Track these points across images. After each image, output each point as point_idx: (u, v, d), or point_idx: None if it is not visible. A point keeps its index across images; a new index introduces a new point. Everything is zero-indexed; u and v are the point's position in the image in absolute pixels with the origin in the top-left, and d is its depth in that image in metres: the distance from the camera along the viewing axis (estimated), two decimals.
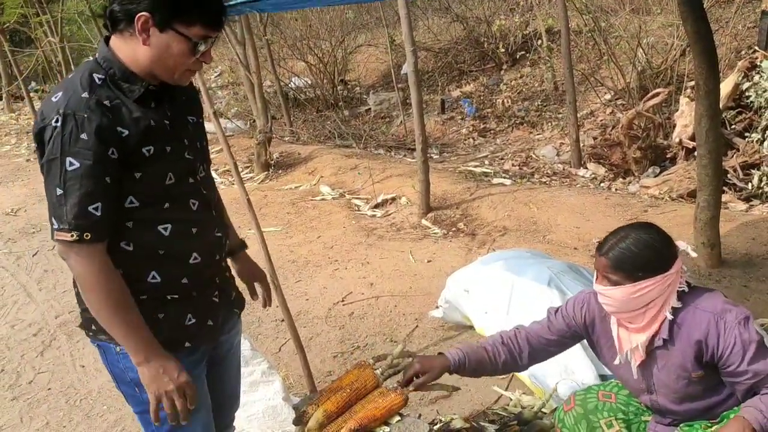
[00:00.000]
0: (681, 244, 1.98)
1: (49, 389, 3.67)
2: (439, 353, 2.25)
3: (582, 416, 2.19)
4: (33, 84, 15.34)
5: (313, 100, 11.01)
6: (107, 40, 1.64)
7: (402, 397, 2.13)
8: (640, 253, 1.88)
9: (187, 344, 1.77)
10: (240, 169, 7.83)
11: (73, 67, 12.33)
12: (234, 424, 2.24)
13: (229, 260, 2.10)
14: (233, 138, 9.30)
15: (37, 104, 13.22)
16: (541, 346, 2.24)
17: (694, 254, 2.02)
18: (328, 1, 6.00)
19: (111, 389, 3.47)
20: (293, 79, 11.44)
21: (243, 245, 2.17)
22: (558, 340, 2.23)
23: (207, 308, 1.83)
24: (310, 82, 11.18)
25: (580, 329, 2.20)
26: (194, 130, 1.80)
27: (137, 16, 1.53)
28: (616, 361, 2.08)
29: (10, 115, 13.81)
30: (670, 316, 1.91)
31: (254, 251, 2.32)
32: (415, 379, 2.17)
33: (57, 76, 13.18)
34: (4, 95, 14.17)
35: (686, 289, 1.95)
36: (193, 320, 1.78)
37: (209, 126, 1.94)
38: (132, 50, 1.59)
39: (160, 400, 1.66)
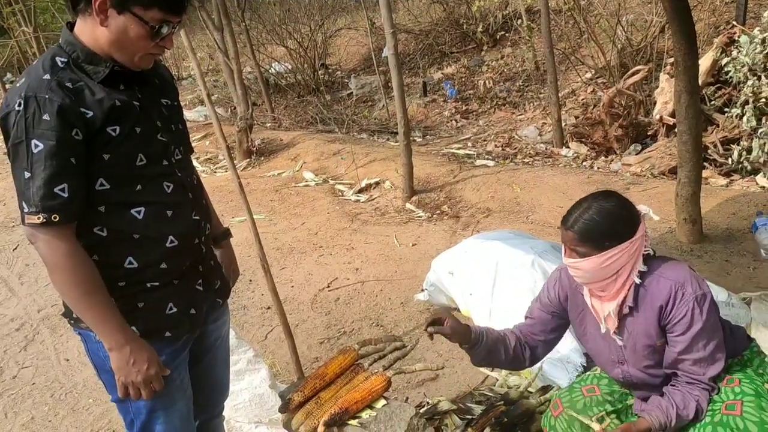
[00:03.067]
0: (642, 208, 2.00)
1: (34, 384, 3.64)
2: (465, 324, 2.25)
3: (573, 418, 2.20)
4: (9, 75, 15.08)
5: (294, 86, 10.93)
6: (71, 25, 1.63)
7: (384, 380, 2.13)
8: (605, 222, 1.89)
9: (167, 334, 1.76)
10: (222, 157, 7.78)
11: None
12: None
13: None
14: (213, 125, 9.20)
15: None
16: (537, 343, 2.26)
17: (656, 217, 2.04)
18: None
19: (96, 382, 3.44)
20: (273, 65, 11.34)
21: (227, 233, 2.16)
22: (548, 332, 2.25)
23: (190, 297, 1.82)
24: (290, 67, 11.09)
25: (559, 310, 2.21)
26: (169, 112, 1.78)
27: None
28: (602, 329, 2.09)
29: None
30: (637, 281, 1.94)
31: (241, 239, 2.30)
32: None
33: None
34: None
35: (651, 252, 1.98)
36: (175, 309, 1.76)
37: (189, 114, 1.92)
38: (92, 32, 1.58)
39: (128, 387, 1.67)
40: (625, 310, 1.99)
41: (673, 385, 2.00)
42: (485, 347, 2.19)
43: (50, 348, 3.98)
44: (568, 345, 3.01)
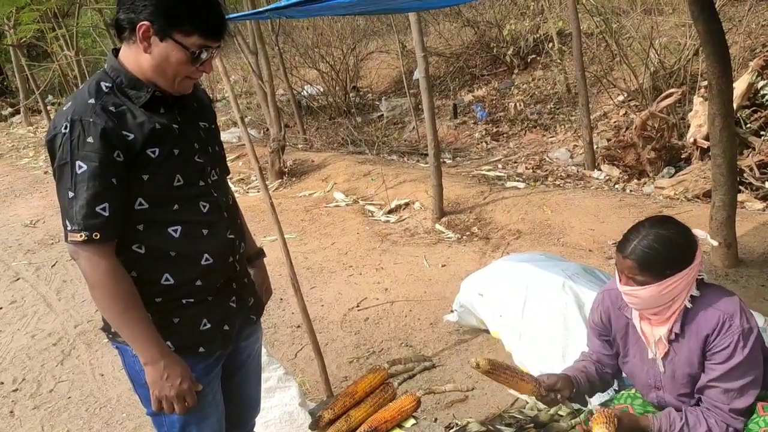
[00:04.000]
0: (699, 233, 1.98)
1: (69, 398, 3.71)
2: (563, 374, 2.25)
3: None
4: (50, 97, 15.54)
5: (326, 108, 11.06)
6: (116, 51, 1.71)
7: (413, 400, 2.14)
8: (665, 251, 1.87)
9: (201, 349, 1.80)
10: (254, 178, 7.90)
11: (88, 79, 12.49)
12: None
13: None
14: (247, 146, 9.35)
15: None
16: (607, 361, 2.28)
17: (714, 242, 2.03)
18: (346, 11, 6.02)
19: (130, 397, 3.50)
20: (305, 87, 11.50)
21: (260, 253, 2.21)
22: (610, 354, 2.26)
23: (223, 313, 1.86)
24: (322, 89, 11.23)
25: (606, 333, 2.22)
26: (206, 134, 1.85)
27: (138, 25, 1.60)
28: (650, 355, 2.07)
29: (28, 128, 14.01)
30: (689, 305, 1.92)
31: (272, 258, 2.35)
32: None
33: (73, 89, 13.34)
34: (22, 109, 14.38)
35: (704, 277, 1.96)
36: (209, 325, 1.81)
37: (223, 135, 1.99)
38: (136, 58, 1.65)
39: (161, 401, 1.71)
40: (671, 337, 1.97)
41: (693, 406, 1.99)
42: (586, 387, 2.23)
43: (86, 363, 4.06)
44: None
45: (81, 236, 1.58)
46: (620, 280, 1.97)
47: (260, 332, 2.13)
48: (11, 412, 3.64)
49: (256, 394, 2.19)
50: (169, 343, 1.73)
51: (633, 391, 2.32)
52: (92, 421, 3.47)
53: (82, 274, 1.66)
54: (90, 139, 1.56)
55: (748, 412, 1.92)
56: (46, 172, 9.75)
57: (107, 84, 1.66)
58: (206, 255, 1.77)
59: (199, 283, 1.77)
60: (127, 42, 1.66)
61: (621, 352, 2.20)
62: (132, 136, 1.61)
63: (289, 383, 3.05)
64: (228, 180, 2.07)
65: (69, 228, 1.60)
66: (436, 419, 3.01)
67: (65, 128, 1.58)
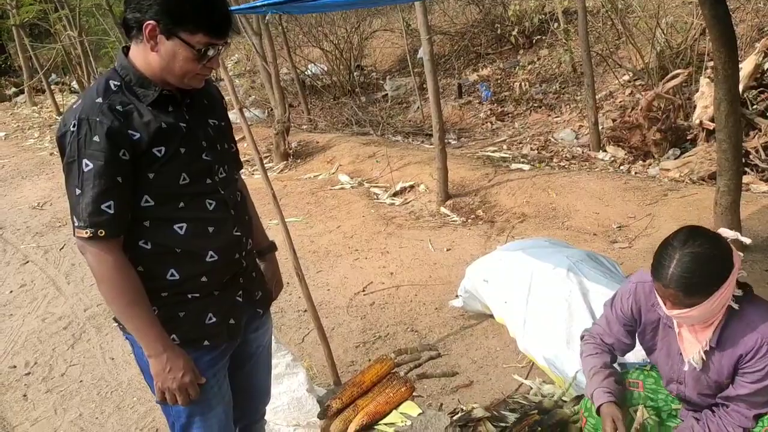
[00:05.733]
0: (728, 233, 1.94)
1: (81, 381, 3.78)
2: (606, 402, 2.18)
3: None
4: (53, 76, 15.52)
5: (330, 87, 11.03)
6: (126, 49, 1.73)
7: (408, 390, 2.18)
8: (705, 271, 1.81)
9: (206, 342, 1.84)
10: (262, 158, 7.91)
11: (91, 59, 12.46)
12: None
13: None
14: (251, 127, 9.34)
15: (59, 97, 13.43)
16: (621, 346, 2.28)
17: (746, 240, 1.95)
18: (352, 4, 5.97)
19: (141, 381, 3.56)
20: (309, 66, 11.45)
21: (272, 247, 2.24)
22: (626, 340, 2.26)
23: (229, 308, 1.89)
24: (326, 68, 11.19)
25: (631, 323, 2.20)
26: (215, 132, 1.86)
27: (145, 24, 1.62)
28: (686, 367, 2.07)
29: (33, 108, 14.01)
30: (735, 306, 1.88)
31: (278, 242, 2.38)
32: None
33: (76, 68, 13.32)
34: (26, 89, 14.36)
35: (745, 274, 1.91)
36: (214, 319, 1.84)
37: (230, 115, 1.99)
38: (145, 57, 1.68)
39: (165, 392, 1.76)
40: (707, 348, 1.96)
41: (713, 412, 2.01)
42: (619, 392, 2.22)
43: (96, 347, 4.13)
44: None
45: (87, 233, 1.62)
46: (665, 305, 1.91)
47: (269, 324, 2.16)
48: (24, 395, 3.71)
49: (266, 384, 2.23)
50: (174, 336, 1.77)
51: (648, 368, 2.34)
52: (104, 404, 3.54)
53: (90, 269, 1.70)
54: (96, 138, 1.59)
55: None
56: (51, 154, 9.78)
57: (116, 82, 1.68)
58: (211, 252, 1.79)
59: (204, 279, 1.80)
60: (136, 41, 1.68)
61: (647, 344, 2.20)
62: (138, 135, 1.64)
63: (297, 370, 3.10)
64: (240, 175, 2.10)
65: (76, 224, 1.64)
66: (441, 405, 3.06)
67: (74, 126, 1.61)
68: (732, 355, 1.91)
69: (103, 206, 1.61)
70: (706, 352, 1.96)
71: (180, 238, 1.75)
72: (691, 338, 2.00)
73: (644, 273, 2.10)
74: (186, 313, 1.80)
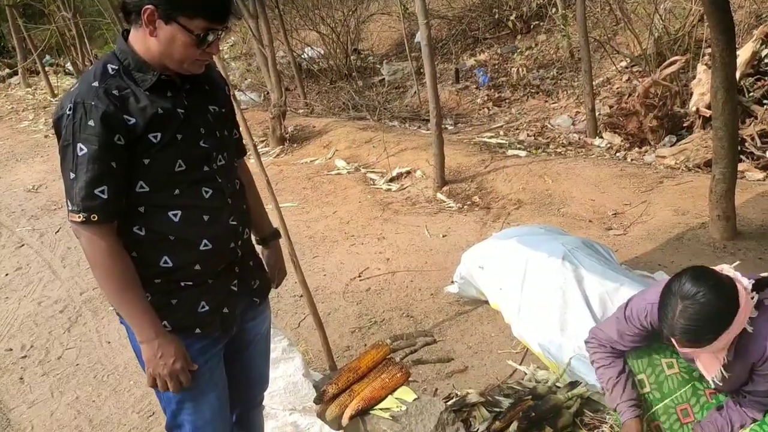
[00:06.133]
0: (729, 271, 1.94)
1: (77, 365, 3.79)
2: (631, 418, 2.26)
3: (645, 352, 2.24)
4: (48, 58, 15.40)
5: (327, 71, 10.97)
6: (126, 33, 1.71)
7: (403, 375, 2.21)
8: (708, 321, 1.83)
9: (197, 331, 1.82)
10: (256, 144, 7.89)
11: (86, 40, 12.37)
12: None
13: (260, 246, 2.16)
14: (248, 111, 9.32)
15: (53, 78, 13.33)
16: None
17: (745, 281, 1.93)
18: None
19: (137, 365, 3.58)
20: (306, 50, 11.38)
21: (275, 234, 2.22)
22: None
23: (223, 297, 1.87)
24: (323, 52, 11.12)
25: (648, 332, 2.22)
26: (215, 118, 1.84)
27: (143, 9, 1.60)
28: (711, 386, 2.13)
29: (27, 90, 13.91)
30: (749, 328, 1.91)
31: (275, 226, 2.37)
32: None
33: (71, 50, 13.22)
34: (20, 70, 14.26)
35: (756, 299, 1.93)
36: (207, 308, 1.82)
37: None
38: (144, 41, 1.66)
39: (155, 378, 1.76)
40: (725, 362, 1.99)
41: (735, 401, 2.06)
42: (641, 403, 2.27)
43: (92, 330, 4.14)
44: None
45: (79, 217, 1.62)
46: (676, 344, 1.95)
47: (268, 312, 2.15)
48: (21, 378, 3.73)
49: (264, 372, 2.23)
50: (165, 322, 1.76)
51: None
52: (100, 387, 3.56)
53: (84, 253, 1.70)
54: (91, 123, 1.58)
55: None
56: (46, 136, 9.73)
57: (114, 66, 1.66)
58: (205, 241, 1.78)
59: (197, 267, 1.79)
60: (135, 25, 1.66)
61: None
62: (133, 120, 1.62)
63: (293, 354, 3.13)
64: (244, 161, 2.09)
65: (69, 208, 1.64)
66: (436, 390, 3.09)
67: (69, 110, 1.60)
68: (745, 363, 1.96)
69: (96, 191, 1.61)
70: (724, 365, 1.99)
71: (174, 226, 1.73)
72: (709, 357, 2.01)
73: (657, 290, 2.07)
74: (179, 300, 1.79)
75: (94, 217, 1.62)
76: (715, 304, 1.83)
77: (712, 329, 1.84)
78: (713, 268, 1.98)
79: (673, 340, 1.95)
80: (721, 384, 2.07)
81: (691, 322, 1.82)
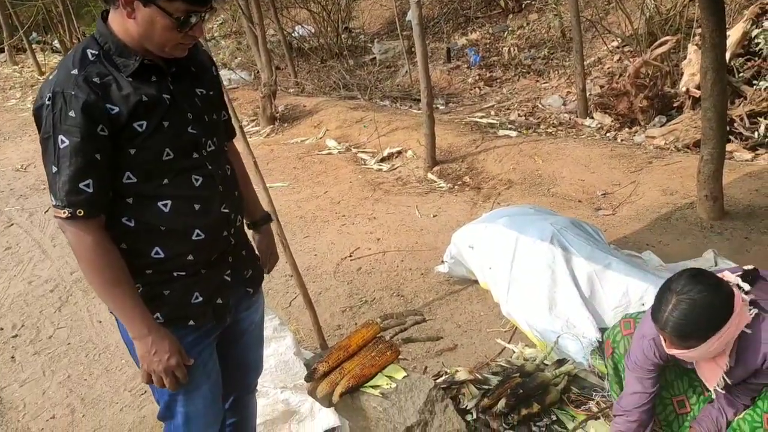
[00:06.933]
0: (730, 278, 1.95)
1: (69, 344, 3.80)
2: None
3: None
4: (34, 35, 15.18)
5: (317, 50, 10.90)
6: (105, 15, 1.63)
7: (393, 353, 2.23)
8: (700, 318, 1.84)
9: (191, 322, 1.78)
10: (246, 123, 7.85)
11: (73, 17, 12.20)
12: None
13: (251, 231, 2.11)
14: (238, 90, 9.26)
15: (40, 56, 13.16)
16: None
17: (746, 287, 1.94)
18: None
19: None
20: (296, 28, 11.29)
21: (267, 219, 2.18)
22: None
23: (216, 287, 1.82)
24: (313, 30, 11.04)
25: (662, 364, 2.21)
26: (203, 102, 1.76)
27: None
28: (712, 395, 2.15)
29: (14, 68, 13.73)
30: (748, 330, 1.92)
31: (265, 207, 2.36)
32: None
33: (58, 27, 13.04)
34: (6, 48, 14.06)
35: (755, 312, 1.94)
36: (200, 299, 1.78)
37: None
38: (123, 23, 1.57)
39: (150, 374, 1.71)
40: (726, 368, 2.00)
41: (730, 392, 2.08)
42: None
43: (83, 310, 4.14)
44: (583, 320, 3.09)
45: (64, 213, 1.55)
46: (665, 343, 1.96)
47: (261, 301, 2.10)
48: (12, 357, 3.73)
49: (259, 359, 2.21)
50: (158, 314, 1.71)
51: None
52: (92, 366, 3.57)
53: (70, 248, 1.63)
54: (72, 113, 1.50)
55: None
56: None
57: (94, 51, 1.58)
58: (197, 230, 1.72)
59: (190, 257, 1.73)
60: (113, 6, 1.57)
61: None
62: (116, 109, 1.54)
63: (284, 333, 3.15)
64: (233, 143, 2.03)
65: (54, 203, 1.57)
66: (425, 368, 3.12)
67: (49, 99, 1.52)
68: (746, 368, 1.97)
69: (81, 185, 1.53)
70: (727, 372, 2.00)
71: (164, 216, 1.67)
72: (710, 365, 2.02)
73: (650, 324, 2.06)
74: (171, 291, 1.74)
75: (79, 212, 1.55)
76: (709, 303, 1.84)
77: (702, 328, 1.85)
78: (716, 273, 1.99)
79: (663, 341, 1.97)
80: (723, 392, 2.07)
81: (683, 317, 1.84)
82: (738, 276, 2.00)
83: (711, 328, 1.85)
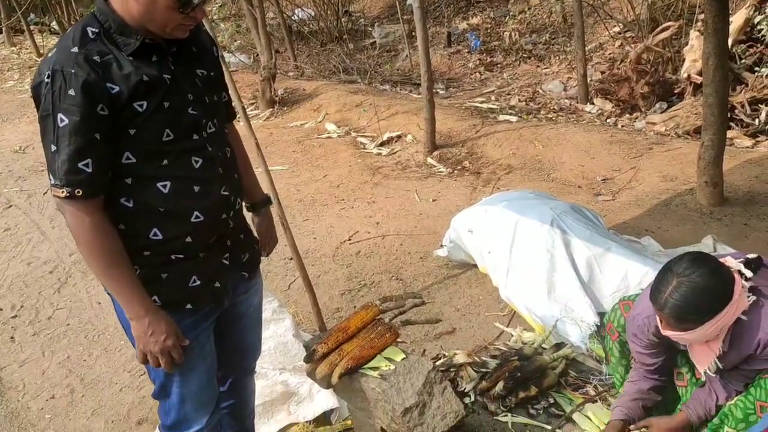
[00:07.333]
0: (732, 263, 1.95)
1: (68, 325, 3.81)
2: (616, 420, 2.32)
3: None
4: (32, 16, 15.06)
5: (317, 33, 10.83)
6: None
7: (392, 335, 2.24)
8: (699, 301, 1.84)
9: (188, 306, 1.78)
10: (245, 106, 7.82)
11: None
12: None
13: (250, 213, 2.12)
14: (237, 73, 9.21)
15: (38, 38, 13.07)
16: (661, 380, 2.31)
17: (748, 273, 1.93)
18: None
19: None
20: (296, 11, 11.21)
21: (267, 201, 2.17)
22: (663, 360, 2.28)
23: (214, 270, 1.82)
24: (313, 14, 10.96)
25: (660, 344, 2.23)
26: (204, 83, 1.74)
27: None
28: (703, 378, 2.15)
29: (12, 49, 13.64)
30: (744, 317, 1.92)
31: (265, 190, 2.36)
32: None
33: (56, 8, 12.93)
34: (3, 29, 13.95)
35: (753, 299, 1.93)
36: (198, 282, 1.77)
37: None
38: (124, 2, 1.55)
39: (146, 355, 1.71)
40: (719, 353, 2.01)
41: (722, 378, 2.08)
42: (640, 417, 2.30)
43: (83, 291, 4.15)
44: (582, 305, 3.10)
45: (63, 192, 1.54)
46: (661, 325, 1.96)
47: (259, 284, 2.11)
48: (12, 338, 3.74)
49: (257, 341, 2.21)
50: (155, 298, 1.71)
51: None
52: (91, 347, 3.58)
53: (68, 228, 1.63)
54: (71, 92, 1.49)
55: None
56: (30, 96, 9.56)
57: (94, 29, 1.56)
58: (197, 212, 1.71)
59: (188, 240, 1.73)
60: None
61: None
62: (117, 88, 1.53)
63: (284, 315, 3.16)
64: (233, 125, 2.02)
65: (52, 182, 1.56)
66: (424, 351, 3.14)
67: (48, 77, 1.51)
68: (739, 354, 1.98)
69: (80, 164, 1.52)
70: (719, 357, 2.01)
71: (163, 197, 1.66)
72: (703, 348, 2.03)
73: (646, 304, 2.09)
74: (169, 274, 1.73)
75: (78, 192, 1.54)
76: (710, 286, 1.85)
77: (700, 310, 1.85)
78: (719, 258, 1.99)
79: (659, 321, 1.98)
80: (714, 375, 2.09)
81: (682, 299, 1.84)
82: (740, 262, 2.00)
83: (709, 312, 1.86)
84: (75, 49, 1.52)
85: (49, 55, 1.56)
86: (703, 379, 2.17)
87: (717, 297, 1.86)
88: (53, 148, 1.52)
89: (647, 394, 2.31)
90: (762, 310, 1.93)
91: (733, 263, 1.97)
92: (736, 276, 1.93)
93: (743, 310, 1.92)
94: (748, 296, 1.93)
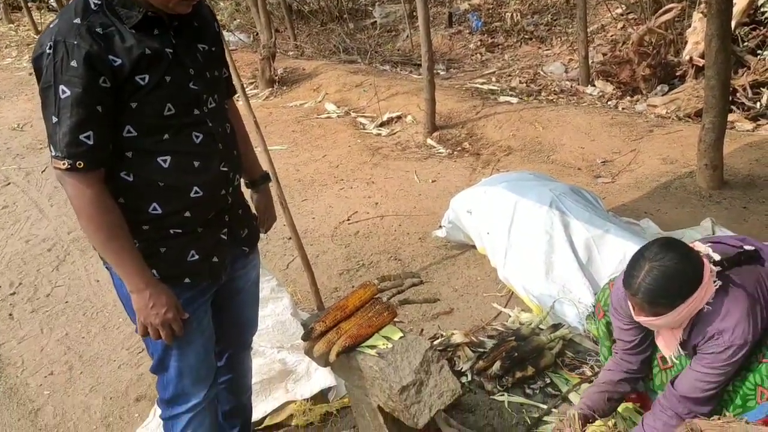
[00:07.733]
0: (700, 247, 1.97)
1: (67, 302, 3.82)
2: (577, 411, 2.28)
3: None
4: None
5: (317, 12, 10.75)
6: None
7: (390, 314, 2.24)
8: (670, 285, 1.86)
9: (186, 280, 1.78)
10: (244, 85, 7.78)
11: None
12: None
13: (249, 190, 2.11)
14: (236, 52, 9.14)
15: (36, 15, 12.97)
16: (638, 364, 2.29)
17: (716, 256, 1.94)
18: None
19: None
20: None
21: (266, 178, 2.17)
22: (642, 349, 2.27)
23: (213, 245, 1.82)
24: None
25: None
26: (205, 58, 1.74)
27: None
28: (668, 362, 2.16)
29: (9, 26, 13.53)
30: (708, 308, 1.93)
31: (264, 168, 2.35)
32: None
33: None
34: (1, 6, 13.83)
35: (719, 284, 1.94)
36: (196, 257, 1.78)
37: None
38: None
39: (147, 327, 1.72)
40: (681, 340, 2.03)
41: (661, 405, 2.08)
42: (604, 410, 2.29)
43: (81, 269, 4.15)
44: (580, 286, 3.10)
45: (64, 164, 1.53)
46: (633, 311, 1.98)
47: (257, 260, 2.12)
48: (10, 315, 3.75)
49: (254, 316, 2.23)
50: (154, 271, 1.71)
51: None
52: (90, 324, 3.59)
53: (69, 200, 1.63)
54: (74, 63, 1.47)
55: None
56: (30, 74, 9.49)
57: (96, 1, 1.54)
58: (196, 187, 1.71)
59: (187, 214, 1.73)
60: None
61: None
62: (119, 61, 1.52)
63: (282, 294, 3.17)
64: (233, 101, 2.01)
65: (53, 154, 1.55)
66: (422, 330, 3.15)
67: (50, 48, 1.49)
68: (694, 340, 1.99)
69: (81, 136, 1.51)
70: (681, 343, 2.04)
71: (163, 172, 1.66)
72: (668, 334, 2.06)
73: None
74: (167, 249, 1.74)
75: (79, 164, 1.53)
76: (680, 270, 1.87)
77: (672, 295, 1.87)
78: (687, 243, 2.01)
79: (631, 308, 2.00)
80: (677, 361, 2.11)
81: (654, 284, 1.86)
82: (737, 253, 2.00)
83: (680, 296, 1.88)
84: (77, 21, 1.51)
85: (51, 26, 1.54)
86: (669, 364, 2.18)
87: (687, 280, 1.88)
88: (54, 119, 1.51)
89: (616, 385, 2.31)
90: (724, 304, 1.94)
91: (702, 247, 1.99)
92: (705, 260, 1.94)
93: (707, 301, 1.93)
94: (714, 281, 1.93)
